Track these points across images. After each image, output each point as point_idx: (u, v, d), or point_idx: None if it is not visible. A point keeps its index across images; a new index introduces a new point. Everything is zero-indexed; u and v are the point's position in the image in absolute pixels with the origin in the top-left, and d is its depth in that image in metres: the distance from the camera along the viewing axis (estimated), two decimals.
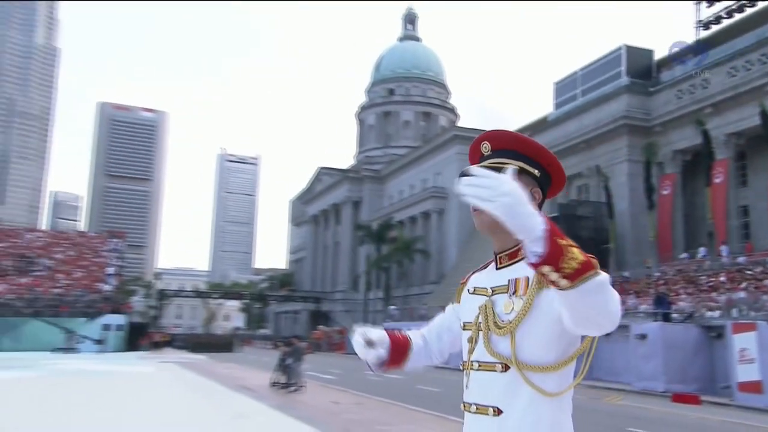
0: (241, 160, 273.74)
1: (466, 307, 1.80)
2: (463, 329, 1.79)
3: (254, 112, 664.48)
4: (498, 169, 1.60)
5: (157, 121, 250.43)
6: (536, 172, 1.77)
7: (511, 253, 1.70)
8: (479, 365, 1.70)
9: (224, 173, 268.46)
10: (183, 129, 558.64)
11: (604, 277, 1.39)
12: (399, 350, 1.95)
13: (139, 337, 40.56)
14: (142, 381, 18.62)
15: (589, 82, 45.38)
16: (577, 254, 1.37)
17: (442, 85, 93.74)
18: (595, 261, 1.39)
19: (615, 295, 1.43)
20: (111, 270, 46.83)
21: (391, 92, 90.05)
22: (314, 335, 57.05)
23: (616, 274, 34.76)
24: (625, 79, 41.94)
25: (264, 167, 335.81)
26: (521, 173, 1.71)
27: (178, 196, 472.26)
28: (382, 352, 1.89)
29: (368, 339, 1.89)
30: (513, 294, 1.64)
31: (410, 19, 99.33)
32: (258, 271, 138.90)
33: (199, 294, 79.12)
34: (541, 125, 53.48)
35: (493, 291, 1.71)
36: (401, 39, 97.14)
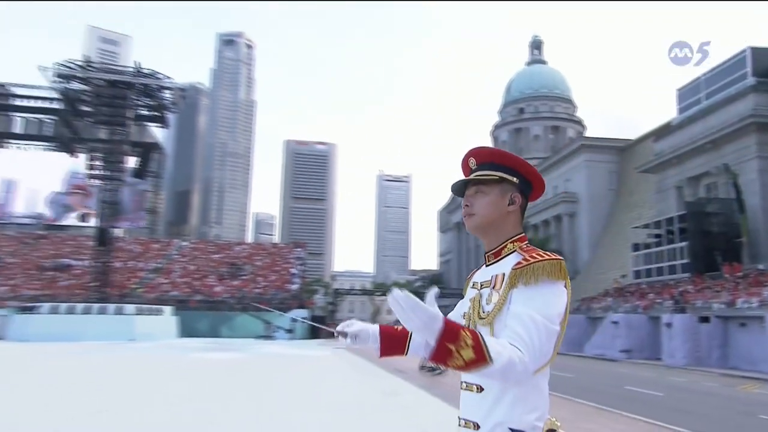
0: (396, 179, 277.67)
1: (466, 299, 1.80)
2: (462, 318, 1.77)
3: (404, 136, 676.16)
4: (490, 181, 1.74)
5: (328, 152, 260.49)
6: (515, 179, 1.76)
7: (496, 252, 1.72)
8: None
9: (382, 191, 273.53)
10: (348, 155, 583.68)
11: (491, 368, 1.41)
12: (393, 340, 1.92)
13: (319, 328, 42.17)
14: (317, 362, 19.41)
15: (713, 85, 41.28)
16: (465, 354, 1.41)
17: (569, 101, 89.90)
18: (486, 355, 1.40)
19: (510, 373, 1.44)
20: (296, 273, 49.46)
21: (521, 111, 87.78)
22: None
23: (750, 266, 32.16)
24: (751, 80, 37.77)
25: (415, 184, 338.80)
26: (502, 181, 1.74)
27: (347, 212, 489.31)
28: (369, 344, 1.88)
29: (344, 333, 1.86)
30: (493, 288, 1.64)
31: (536, 45, 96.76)
32: (414, 272, 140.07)
33: (364, 292, 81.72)
34: (665, 130, 50.00)
35: (481, 285, 1.72)
36: (528, 63, 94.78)
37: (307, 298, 55.89)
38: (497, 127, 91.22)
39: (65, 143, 42.63)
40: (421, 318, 1.39)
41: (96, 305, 33.76)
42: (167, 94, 40.42)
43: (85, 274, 41.19)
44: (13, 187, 49.52)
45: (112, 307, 33.93)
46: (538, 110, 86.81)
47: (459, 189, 1.82)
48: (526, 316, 1.49)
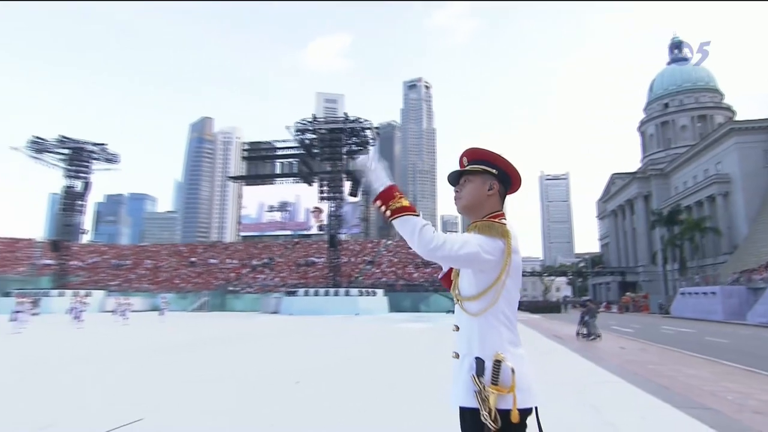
0: (555, 177, 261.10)
1: None
2: None
3: (561, 139, 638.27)
4: (474, 172, 1.80)
5: None
6: (494, 171, 1.78)
7: (471, 226, 1.73)
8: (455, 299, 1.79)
9: (544, 188, 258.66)
10: (513, 160, 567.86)
11: (413, 219, 1.57)
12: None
13: None
14: None
15: None
16: (404, 203, 1.59)
17: (714, 90, 75.77)
18: (414, 210, 1.58)
19: (421, 235, 1.56)
20: None
21: (666, 106, 76.30)
22: (623, 300, 51.74)
23: None
24: None
25: (573, 179, 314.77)
26: (484, 172, 1.78)
27: (516, 208, 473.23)
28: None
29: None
30: None
31: (676, 45, 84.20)
32: (578, 255, 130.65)
33: (532, 273, 78.11)
34: None
35: None
36: (669, 62, 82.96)
37: None
38: (643, 122, 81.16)
39: (305, 176, 47.49)
40: (380, 175, 1.65)
41: (332, 290, 37.30)
42: (368, 132, 43.10)
43: (324, 268, 45.45)
44: (293, 208, 55.80)
45: (342, 290, 37.16)
46: (683, 103, 75.18)
47: (454, 179, 1.88)
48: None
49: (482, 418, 1.51)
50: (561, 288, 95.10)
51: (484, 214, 1.77)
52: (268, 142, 51.72)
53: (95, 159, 47.25)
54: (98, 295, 40.09)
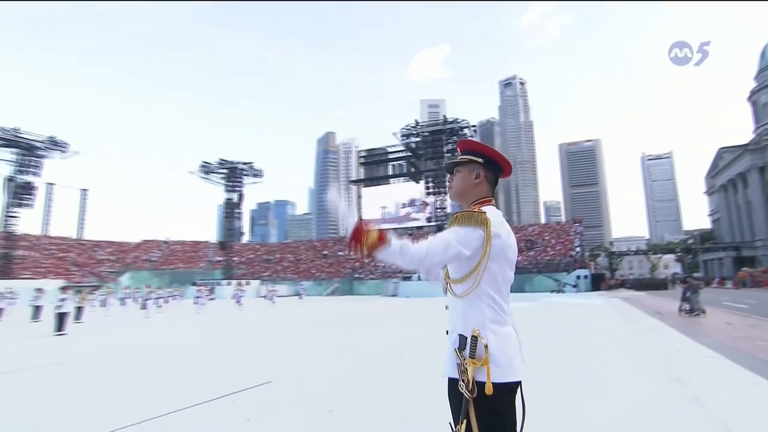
0: (658, 157, 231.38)
1: None
2: None
3: (663, 118, 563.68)
4: (463, 162, 1.75)
5: (594, 146, 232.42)
6: (480, 160, 1.73)
7: (452, 218, 1.66)
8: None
9: (647, 168, 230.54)
10: (613, 145, 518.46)
11: (389, 248, 1.50)
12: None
13: (599, 282, 38.57)
14: (591, 308, 17.78)
15: None
16: (373, 236, 1.50)
17: None
18: (384, 238, 1.50)
19: (404, 257, 1.51)
20: (577, 242, 45.78)
21: None
22: (740, 275, 44.29)
23: None
24: None
25: (677, 157, 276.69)
26: (471, 162, 1.73)
27: (619, 190, 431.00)
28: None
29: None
30: None
31: None
32: (687, 232, 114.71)
33: (637, 252, 69.80)
34: None
35: None
36: None
37: (589, 260, 51.19)
38: (755, 91, 68.41)
39: (413, 176, 47.95)
40: (345, 215, 1.68)
41: None
42: (466, 131, 42.24)
43: None
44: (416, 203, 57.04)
45: None
46: None
47: (448, 170, 1.83)
48: (433, 235, 1.58)
49: (459, 387, 1.51)
50: (669, 265, 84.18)
51: (473, 200, 1.74)
52: (381, 148, 52.92)
53: (245, 175, 52.61)
54: (254, 284, 44.61)
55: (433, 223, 44.58)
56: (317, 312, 19.28)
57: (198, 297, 20.80)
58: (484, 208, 1.65)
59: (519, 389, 1.57)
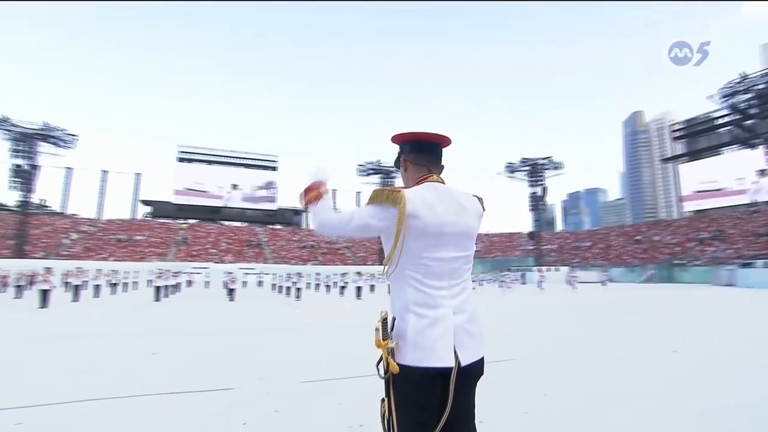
0: None
1: None
2: None
3: None
4: (397, 159, 1.67)
5: None
6: (399, 149, 1.63)
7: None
8: None
9: None
10: None
11: (313, 208, 1.55)
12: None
13: None
14: None
15: None
16: (311, 195, 1.57)
17: None
18: (317, 199, 1.55)
19: (317, 219, 1.53)
20: None
21: None
22: None
23: None
24: None
25: None
26: (398, 156, 1.64)
27: None
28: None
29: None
30: None
31: None
32: None
33: None
34: None
35: None
36: None
37: None
38: None
39: (744, 141, 38.54)
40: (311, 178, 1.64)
41: None
42: None
43: None
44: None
45: None
46: None
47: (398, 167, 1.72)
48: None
49: (375, 365, 1.43)
50: None
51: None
52: (701, 116, 44.84)
53: (546, 169, 55.08)
54: (563, 270, 46.57)
55: None
56: (619, 299, 17.67)
57: (502, 281, 25.63)
58: (413, 187, 1.51)
59: (452, 379, 1.37)
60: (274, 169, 67.73)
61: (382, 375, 1.41)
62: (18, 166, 43.89)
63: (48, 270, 15.36)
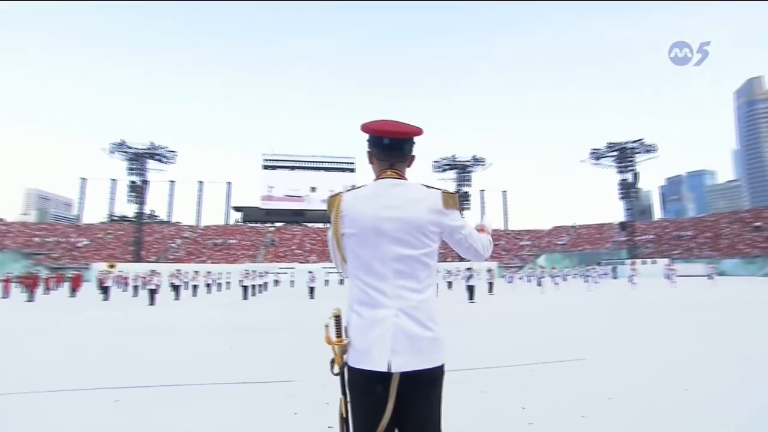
0: None
1: None
2: None
3: None
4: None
5: None
6: (367, 141, 1.52)
7: None
8: None
9: None
10: None
11: None
12: None
13: None
14: None
15: None
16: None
17: None
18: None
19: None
20: None
21: None
22: None
23: None
24: None
25: None
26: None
27: None
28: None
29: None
30: None
31: None
32: None
33: None
34: None
35: None
36: None
37: None
38: None
39: None
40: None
41: None
42: None
43: None
44: None
45: None
46: None
47: None
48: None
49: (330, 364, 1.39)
50: None
51: None
52: None
53: (637, 152, 50.27)
54: (660, 262, 42.26)
55: None
56: (728, 296, 15.70)
57: (588, 276, 23.95)
58: (361, 186, 1.46)
59: (391, 386, 1.29)
60: (352, 170, 69.88)
61: (333, 372, 1.39)
62: (133, 182, 50.17)
63: (153, 272, 17.35)
